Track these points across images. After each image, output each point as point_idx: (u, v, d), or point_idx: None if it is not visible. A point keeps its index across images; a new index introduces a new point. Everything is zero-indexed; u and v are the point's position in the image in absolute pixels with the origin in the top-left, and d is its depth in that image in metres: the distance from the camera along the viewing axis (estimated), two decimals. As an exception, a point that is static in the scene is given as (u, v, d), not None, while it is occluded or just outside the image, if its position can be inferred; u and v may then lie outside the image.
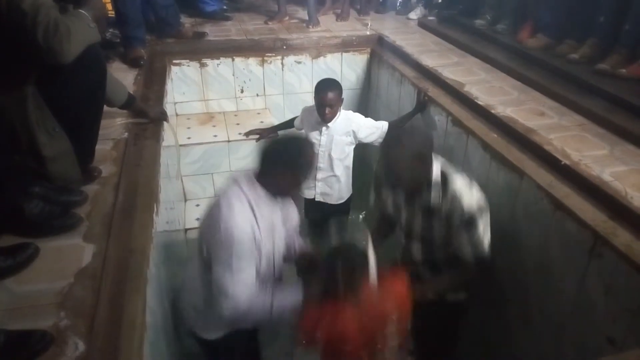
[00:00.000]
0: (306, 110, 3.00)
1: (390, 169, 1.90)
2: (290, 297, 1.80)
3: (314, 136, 2.86)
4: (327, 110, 2.71)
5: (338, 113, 2.81)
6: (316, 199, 3.01)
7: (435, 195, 1.89)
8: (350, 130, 2.84)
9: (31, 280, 1.51)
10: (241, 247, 1.65)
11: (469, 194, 1.86)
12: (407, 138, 1.85)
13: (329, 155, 2.86)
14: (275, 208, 1.81)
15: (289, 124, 3.23)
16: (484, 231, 1.88)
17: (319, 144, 2.83)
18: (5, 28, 1.57)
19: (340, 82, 4.06)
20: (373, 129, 2.87)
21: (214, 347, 1.96)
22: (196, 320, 1.95)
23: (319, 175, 2.93)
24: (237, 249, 1.65)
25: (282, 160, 1.75)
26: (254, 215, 1.71)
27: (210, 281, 1.73)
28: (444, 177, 1.89)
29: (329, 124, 2.79)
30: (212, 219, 1.69)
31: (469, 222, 1.85)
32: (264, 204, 1.77)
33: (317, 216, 3.07)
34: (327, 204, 3.02)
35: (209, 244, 1.71)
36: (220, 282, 1.68)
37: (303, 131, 3.00)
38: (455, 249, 1.93)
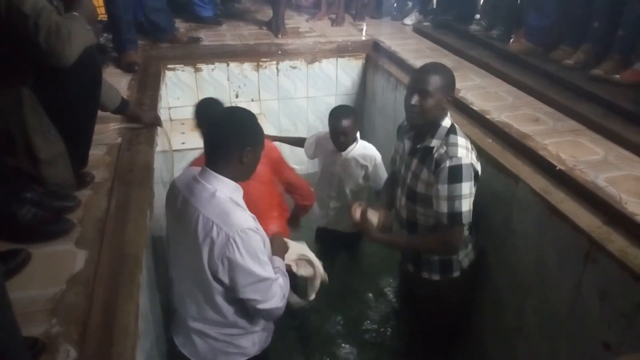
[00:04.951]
0: (322, 138, 2.81)
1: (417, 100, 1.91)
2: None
3: (328, 165, 2.75)
4: (342, 138, 2.59)
5: (355, 142, 2.66)
6: (329, 227, 2.94)
7: (436, 141, 1.93)
8: (365, 165, 2.68)
9: (23, 286, 1.49)
10: (259, 242, 1.59)
11: (465, 150, 1.88)
12: (443, 67, 1.95)
13: (343, 186, 2.75)
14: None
15: (297, 142, 3.05)
16: (466, 196, 1.86)
17: (333, 173, 2.73)
18: (3, 30, 1.57)
19: (335, 87, 4.13)
20: (380, 179, 2.69)
21: None
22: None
23: (332, 204, 2.83)
24: (258, 246, 1.58)
25: (236, 137, 1.59)
26: (244, 208, 1.63)
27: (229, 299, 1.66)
28: (452, 128, 1.94)
29: (344, 153, 2.66)
30: (216, 236, 1.53)
31: (454, 172, 1.84)
32: (239, 194, 1.66)
33: (329, 243, 3.01)
34: (339, 231, 2.90)
35: (226, 263, 1.55)
36: (258, 287, 1.60)
37: (316, 160, 2.89)
38: (433, 200, 1.93)
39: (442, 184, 1.86)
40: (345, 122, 2.54)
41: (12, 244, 1.62)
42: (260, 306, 1.63)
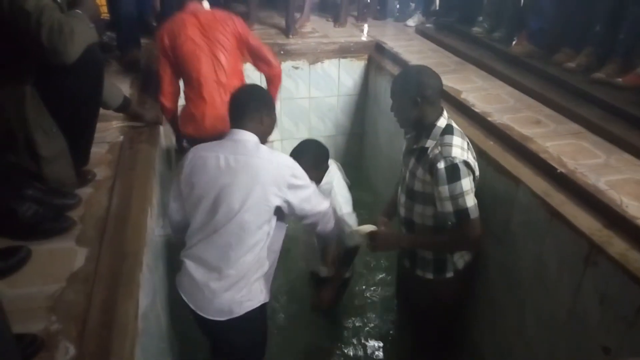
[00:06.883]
0: None
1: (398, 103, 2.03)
2: None
3: None
4: None
5: (320, 177, 2.35)
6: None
7: (430, 142, 1.96)
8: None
9: (23, 283, 1.50)
10: (297, 165, 1.96)
11: (459, 149, 1.89)
12: (426, 72, 1.99)
13: None
14: None
15: None
16: (468, 191, 1.88)
17: None
18: (5, 27, 1.57)
19: (337, 88, 4.12)
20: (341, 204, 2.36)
21: (254, 317, 1.96)
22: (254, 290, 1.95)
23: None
24: (300, 168, 1.96)
25: (257, 100, 1.97)
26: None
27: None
28: (448, 129, 1.96)
29: None
30: (277, 173, 1.84)
31: (451, 171, 1.86)
32: None
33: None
34: (315, 275, 2.66)
35: (293, 188, 1.88)
36: (317, 193, 2.04)
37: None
38: (435, 202, 1.95)
39: (442, 186, 1.87)
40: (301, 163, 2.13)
41: (12, 240, 1.63)
42: (323, 207, 2.04)
